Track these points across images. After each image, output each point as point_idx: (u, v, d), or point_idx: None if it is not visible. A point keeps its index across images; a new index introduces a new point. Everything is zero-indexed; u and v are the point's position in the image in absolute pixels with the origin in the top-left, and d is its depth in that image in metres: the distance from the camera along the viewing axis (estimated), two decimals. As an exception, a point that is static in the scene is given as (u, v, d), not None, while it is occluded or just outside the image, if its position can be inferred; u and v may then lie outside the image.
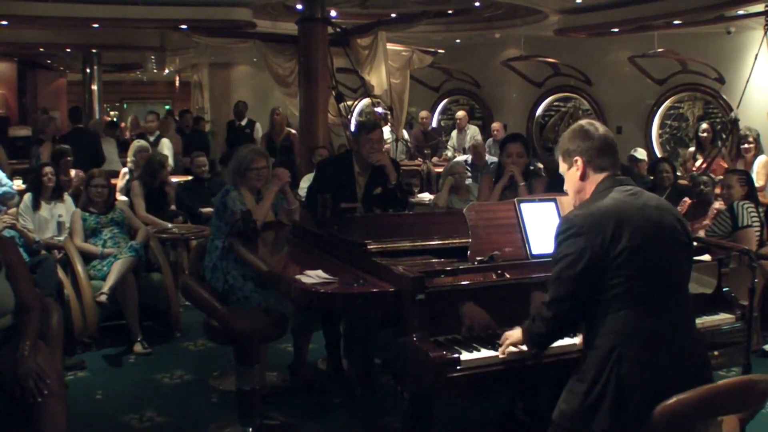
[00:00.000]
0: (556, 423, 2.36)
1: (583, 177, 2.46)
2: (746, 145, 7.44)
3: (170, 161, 7.83)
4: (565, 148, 2.49)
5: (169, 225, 6.27)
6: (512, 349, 2.60)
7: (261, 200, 4.37)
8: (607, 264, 2.25)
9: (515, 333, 2.59)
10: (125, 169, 7.62)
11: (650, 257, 2.27)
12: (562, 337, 2.53)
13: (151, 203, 6.47)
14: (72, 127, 9.21)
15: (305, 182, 6.96)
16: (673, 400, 2.16)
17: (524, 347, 2.57)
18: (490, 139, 10.57)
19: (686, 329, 2.35)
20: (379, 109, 11.22)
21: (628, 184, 2.42)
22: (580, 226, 2.28)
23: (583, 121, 2.51)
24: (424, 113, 11.88)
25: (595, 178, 2.43)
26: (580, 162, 2.45)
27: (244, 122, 10.86)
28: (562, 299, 2.33)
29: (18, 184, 7.25)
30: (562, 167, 2.53)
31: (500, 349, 2.62)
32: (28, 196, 5.81)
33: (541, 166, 4.95)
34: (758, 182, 6.81)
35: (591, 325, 2.36)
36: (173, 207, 6.73)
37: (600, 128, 2.47)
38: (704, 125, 8.49)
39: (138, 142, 7.95)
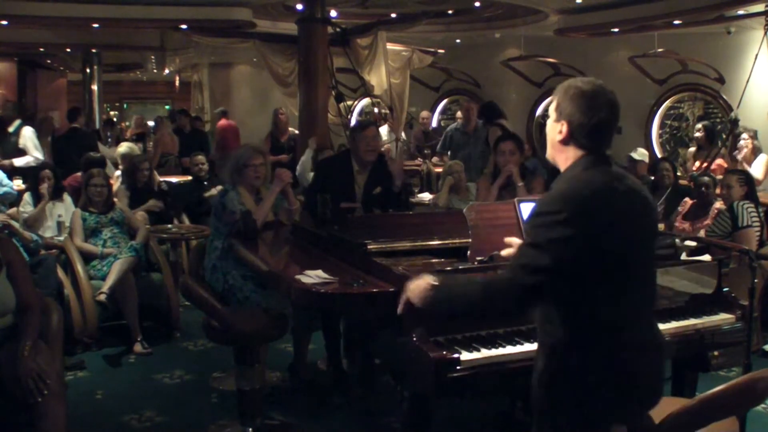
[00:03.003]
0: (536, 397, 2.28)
1: (564, 143, 2.25)
2: (741, 143, 7.46)
3: None
4: (560, 103, 2.25)
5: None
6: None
7: (259, 200, 4.37)
8: (590, 252, 2.11)
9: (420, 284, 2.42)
10: (118, 172, 7.64)
11: (630, 247, 2.18)
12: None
13: (137, 202, 6.49)
14: (69, 126, 9.20)
15: (301, 167, 7.23)
16: (672, 411, 2.15)
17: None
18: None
19: (651, 321, 2.29)
20: (377, 109, 11.23)
21: (610, 164, 2.25)
22: (572, 213, 2.10)
23: (590, 86, 2.21)
24: (424, 113, 11.89)
25: (575, 153, 2.24)
26: (565, 129, 2.23)
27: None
28: (534, 291, 2.15)
29: (18, 184, 7.26)
30: (550, 113, 2.31)
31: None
32: (28, 194, 5.85)
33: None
34: (758, 180, 6.82)
35: (547, 311, 2.23)
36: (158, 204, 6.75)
37: (604, 104, 2.19)
38: (699, 125, 8.52)
39: (122, 148, 7.95)
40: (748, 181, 5.66)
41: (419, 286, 2.42)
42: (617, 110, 2.22)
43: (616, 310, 2.17)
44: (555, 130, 2.26)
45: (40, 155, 7.90)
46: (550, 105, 2.31)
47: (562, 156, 2.27)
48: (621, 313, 2.18)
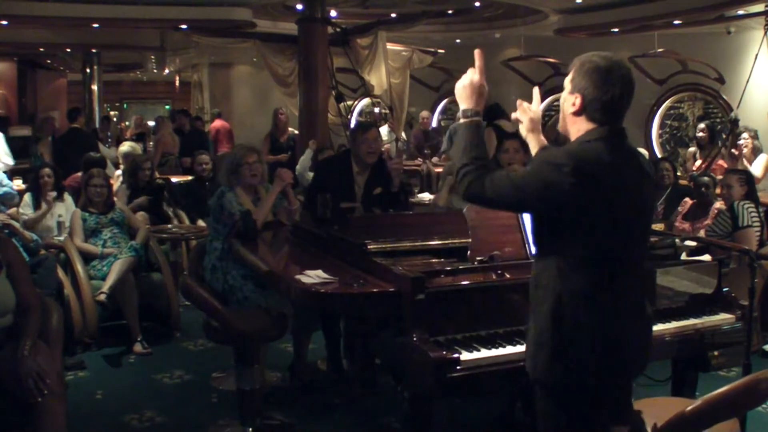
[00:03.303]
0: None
1: (577, 114, 2.26)
2: (741, 142, 7.47)
3: None
4: (575, 77, 2.26)
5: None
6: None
7: (257, 200, 4.37)
8: (576, 216, 2.14)
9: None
10: (118, 172, 7.64)
11: (625, 217, 2.19)
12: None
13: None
14: (69, 127, 9.20)
15: (300, 166, 7.33)
16: (676, 414, 2.16)
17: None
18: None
19: (637, 291, 2.28)
20: (377, 109, 11.22)
21: (623, 138, 2.28)
22: (576, 168, 2.11)
23: (605, 61, 2.22)
24: (424, 113, 11.89)
25: (587, 125, 2.25)
26: (579, 101, 2.25)
27: None
28: (506, 201, 2.24)
29: (18, 184, 7.26)
30: (565, 85, 2.32)
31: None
32: (28, 195, 5.84)
33: None
34: (757, 179, 6.82)
35: (540, 278, 2.26)
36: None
37: (618, 80, 2.21)
38: (701, 125, 8.51)
39: (124, 146, 7.95)
40: (749, 180, 5.65)
41: (475, 92, 2.38)
42: (631, 86, 2.25)
43: (608, 296, 2.18)
44: (568, 102, 2.28)
45: (10, 161, 7.84)
46: (566, 78, 2.32)
47: (574, 127, 2.29)
48: (600, 284, 2.18)
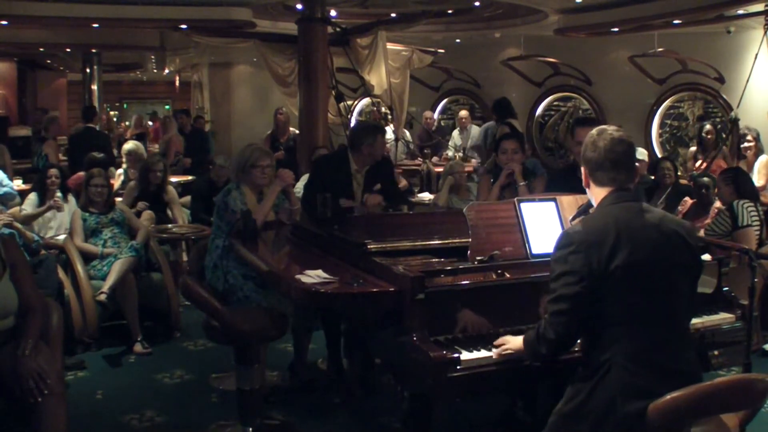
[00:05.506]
0: (550, 421, 2.40)
1: (587, 186, 2.51)
2: (745, 144, 7.44)
3: None
4: (582, 152, 2.51)
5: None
6: (507, 352, 2.63)
7: (262, 199, 4.38)
8: (603, 281, 2.26)
9: (515, 342, 2.58)
10: (120, 170, 7.63)
11: (645, 278, 2.28)
12: (563, 354, 2.49)
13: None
14: (84, 126, 9.19)
15: (302, 182, 7.08)
16: (666, 398, 2.17)
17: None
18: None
19: (676, 351, 2.34)
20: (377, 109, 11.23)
21: (633, 201, 2.41)
22: (579, 243, 2.29)
23: (598, 129, 2.48)
24: (428, 113, 11.88)
25: (598, 192, 2.44)
26: (584, 171, 2.49)
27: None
28: (562, 316, 2.32)
29: (18, 183, 7.26)
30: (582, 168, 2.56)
31: (494, 352, 2.63)
32: (34, 194, 5.83)
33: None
34: (759, 182, 6.80)
35: (587, 338, 2.39)
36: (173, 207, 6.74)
37: (607, 140, 2.41)
38: (708, 126, 8.43)
39: (128, 144, 7.95)
40: (735, 179, 5.57)
41: (513, 344, 2.60)
42: (620, 144, 2.42)
43: (635, 336, 2.27)
44: (584, 179, 2.51)
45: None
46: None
47: (595, 199, 2.49)
48: (640, 339, 2.27)
